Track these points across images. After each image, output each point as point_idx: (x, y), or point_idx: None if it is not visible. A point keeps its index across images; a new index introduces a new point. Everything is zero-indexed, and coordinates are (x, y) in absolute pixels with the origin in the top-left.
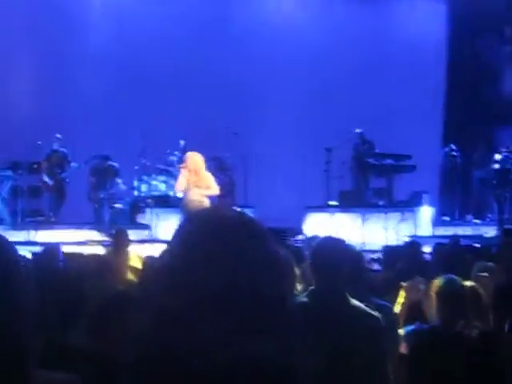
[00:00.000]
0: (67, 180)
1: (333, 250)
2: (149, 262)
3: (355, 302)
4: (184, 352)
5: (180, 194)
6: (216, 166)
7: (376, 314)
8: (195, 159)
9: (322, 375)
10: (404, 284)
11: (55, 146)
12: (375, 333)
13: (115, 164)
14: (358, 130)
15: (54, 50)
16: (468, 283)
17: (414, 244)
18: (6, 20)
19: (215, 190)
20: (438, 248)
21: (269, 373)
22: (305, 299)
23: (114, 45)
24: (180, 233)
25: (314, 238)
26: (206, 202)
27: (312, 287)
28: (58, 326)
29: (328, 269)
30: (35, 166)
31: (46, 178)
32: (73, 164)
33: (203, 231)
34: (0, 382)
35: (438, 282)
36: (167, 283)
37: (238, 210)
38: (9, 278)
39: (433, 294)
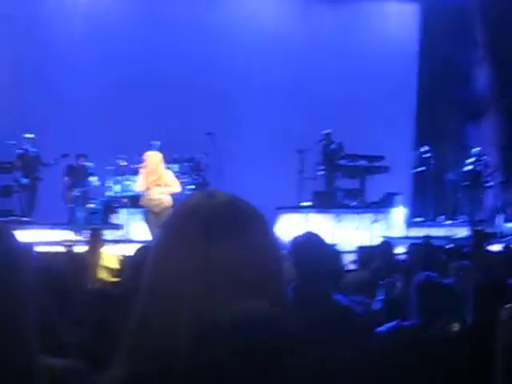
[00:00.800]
0: (40, 179)
1: (314, 245)
2: (125, 261)
3: (338, 296)
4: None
5: (140, 193)
6: (190, 167)
7: (359, 308)
8: (153, 158)
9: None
10: (381, 282)
11: (27, 146)
12: (360, 328)
13: (89, 163)
14: (325, 131)
15: (27, 46)
16: (446, 280)
17: (387, 244)
18: None
19: (176, 187)
20: (413, 248)
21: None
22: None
23: (91, 45)
24: (168, 225)
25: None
26: (168, 201)
27: (294, 282)
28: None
29: (310, 263)
30: (7, 165)
31: (20, 178)
32: (45, 163)
33: (195, 219)
34: (6, 370)
35: (416, 280)
36: (156, 270)
37: (231, 194)
38: (12, 267)
39: (412, 291)
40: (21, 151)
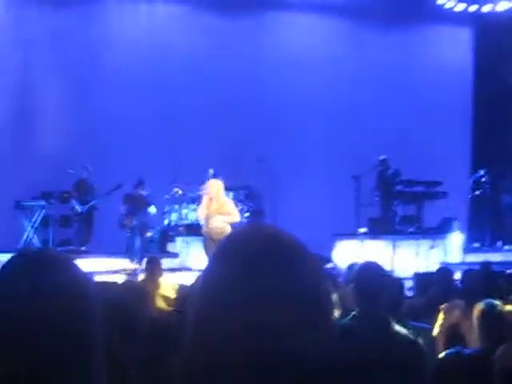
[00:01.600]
0: (96, 208)
1: (374, 275)
2: (182, 290)
3: (398, 327)
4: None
5: (202, 221)
6: (245, 194)
7: (419, 340)
8: (216, 186)
9: None
10: (442, 306)
11: (83, 175)
12: (418, 360)
13: (146, 192)
14: (381, 157)
15: (81, 81)
16: (509, 307)
17: (445, 270)
18: (35, 50)
19: (237, 216)
20: (472, 274)
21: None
22: (348, 322)
23: (144, 75)
24: (217, 254)
25: (353, 265)
26: (228, 229)
27: (354, 312)
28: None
29: (370, 294)
30: (66, 195)
31: (76, 206)
32: (100, 194)
33: (240, 252)
34: None
35: (479, 306)
36: (204, 304)
37: (275, 228)
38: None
39: (474, 318)
40: (77, 180)
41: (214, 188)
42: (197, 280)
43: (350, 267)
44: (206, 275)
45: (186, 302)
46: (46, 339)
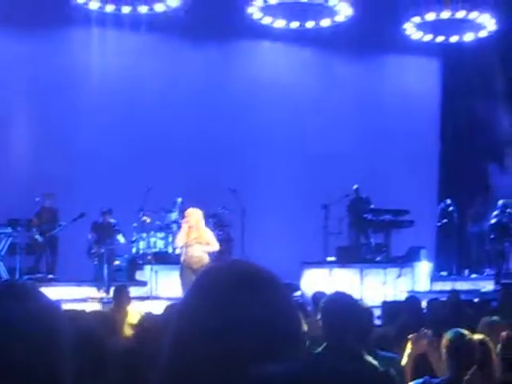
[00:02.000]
0: (57, 236)
1: (342, 306)
2: (146, 318)
3: (369, 357)
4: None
5: (178, 250)
6: (214, 223)
7: (391, 370)
8: (196, 215)
9: None
10: (410, 336)
11: (46, 203)
12: None
13: (114, 220)
14: (354, 187)
15: (49, 110)
16: (477, 336)
17: (413, 299)
18: (6, 78)
19: (215, 245)
20: (435, 303)
21: None
22: (321, 352)
23: (113, 104)
24: (195, 287)
25: (319, 293)
26: (206, 258)
27: (323, 345)
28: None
29: (339, 326)
30: (26, 223)
31: (36, 236)
32: (62, 223)
33: (219, 284)
34: None
35: (447, 336)
36: (179, 336)
37: (252, 263)
38: (47, 328)
39: (442, 347)
40: (38, 209)
41: (194, 217)
42: (166, 310)
43: (314, 296)
44: (184, 305)
45: (147, 331)
46: (13, 373)
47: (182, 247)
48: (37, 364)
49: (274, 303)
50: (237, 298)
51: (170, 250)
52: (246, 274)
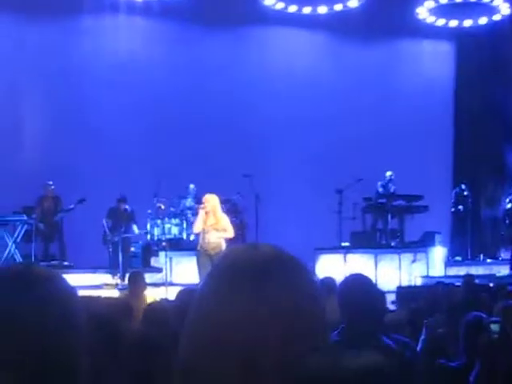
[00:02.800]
0: (58, 224)
1: (360, 287)
2: (155, 303)
3: (386, 340)
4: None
5: (192, 236)
6: (228, 209)
7: (406, 353)
8: (213, 201)
9: None
10: (425, 321)
11: (46, 193)
12: (406, 374)
13: (129, 207)
14: (389, 173)
15: (64, 95)
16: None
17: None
18: (18, 65)
19: (231, 232)
20: (453, 287)
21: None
22: (337, 338)
23: (125, 90)
24: (215, 271)
25: (328, 278)
26: (223, 245)
27: (342, 325)
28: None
29: (357, 306)
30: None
31: (39, 224)
32: (60, 214)
33: (239, 269)
34: None
35: (465, 320)
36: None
37: (274, 246)
38: (67, 312)
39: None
40: (39, 196)
41: (211, 203)
42: (179, 295)
43: (323, 281)
44: (204, 290)
45: (155, 315)
46: (32, 355)
47: (198, 233)
48: (54, 347)
49: (298, 285)
50: (260, 281)
51: (184, 236)
52: (269, 256)
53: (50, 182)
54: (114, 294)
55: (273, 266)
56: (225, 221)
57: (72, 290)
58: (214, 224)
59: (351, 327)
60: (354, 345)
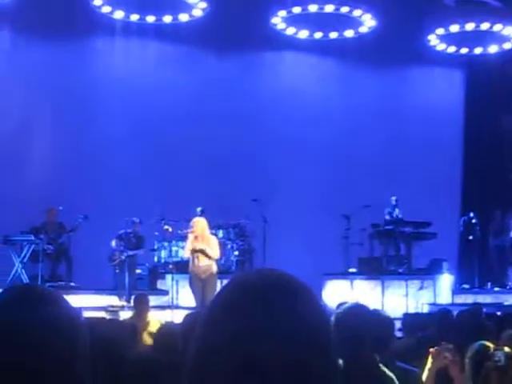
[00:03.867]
0: (65, 244)
1: (356, 318)
2: (165, 327)
3: (384, 369)
4: None
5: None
6: (235, 233)
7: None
8: (201, 224)
9: None
10: (431, 350)
11: (49, 218)
12: None
13: (140, 232)
14: (393, 198)
15: (70, 117)
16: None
17: (444, 312)
18: (29, 86)
19: (216, 254)
20: (462, 316)
21: None
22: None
23: (135, 112)
24: (221, 295)
25: (341, 304)
26: (215, 267)
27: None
28: None
29: (352, 337)
30: (35, 231)
31: (46, 245)
32: (67, 229)
33: (246, 292)
34: None
35: (471, 348)
36: (204, 346)
37: (280, 271)
38: (69, 335)
39: (466, 359)
40: (43, 222)
41: (199, 226)
42: (185, 319)
43: (339, 307)
44: (209, 314)
45: (166, 340)
46: (34, 375)
47: (189, 257)
48: (55, 369)
49: (304, 312)
50: (265, 307)
51: None
52: (275, 281)
53: (58, 207)
54: (119, 316)
55: (277, 291)
56: (213, 243)
57: (75, 312)
58: (203, 247)
59: (347, 359)
60: (352, 374)
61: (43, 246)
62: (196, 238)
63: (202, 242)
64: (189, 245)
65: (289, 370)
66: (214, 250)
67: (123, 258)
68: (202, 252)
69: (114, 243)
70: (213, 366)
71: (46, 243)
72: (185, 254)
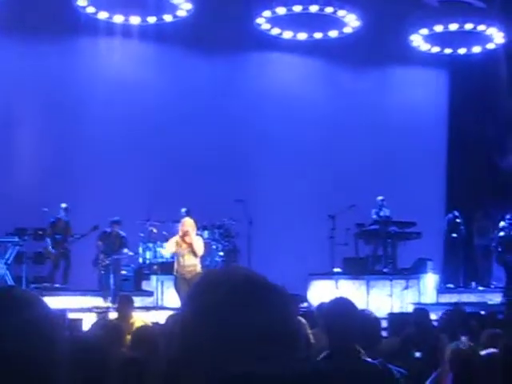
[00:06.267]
0: (69, 249)
1: (345, 311)
2: (142, 327)
3: (369, 360)
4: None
5: (168, 255)
6: (221, 234)
7: (394, 371)
8: (189, 224)
9: None
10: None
11: (60, 215)
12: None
13: (122, 233)
14: (380, 198)
15: (55, 119)
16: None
17: (422, 311)
18: (14, 88)
19: (200, 251)
20: (444, 315)
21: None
22: (320, 364)
23: (120, 113)
24: (192, 294)
25: (322, 304)
26: (199, 268)
27: (327, 351)
28: None
29: (341, 329)
30: (40, 232)
31: (49, 246)
32: (76, 235)
33: (215, 289)
34: None
35: (449, 348)
36: (183, 342)
37: (247, 268)
38: (45, 337)
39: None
40: (53, 220)
41: (186, 226)
42: (168, 320)
43: (320, 307)
44: (183, 312)
45: (143, 340)
46: (10, 378)
47: (175, 257)
48: (32, 372)
49: (271, 308)
50: (232, 303)
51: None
52: (241, 278)
53: (65, 205)
54: (104, 317)
55: (243, 288)
56: (198, 243)
57: (54, 314)
58: (189, 247)
59: (335, 349)
60: (336, 369)
61: (47, 248)
62: (183, 237)
63: (189, 241)
64: (171, 243)
65: (255, 361)
66: (199, 249)
67: (107, 262)
68: (189, 252)
69: (98, 243)
70: (189, 362)
71: (51, 245)
72: (166, 251)
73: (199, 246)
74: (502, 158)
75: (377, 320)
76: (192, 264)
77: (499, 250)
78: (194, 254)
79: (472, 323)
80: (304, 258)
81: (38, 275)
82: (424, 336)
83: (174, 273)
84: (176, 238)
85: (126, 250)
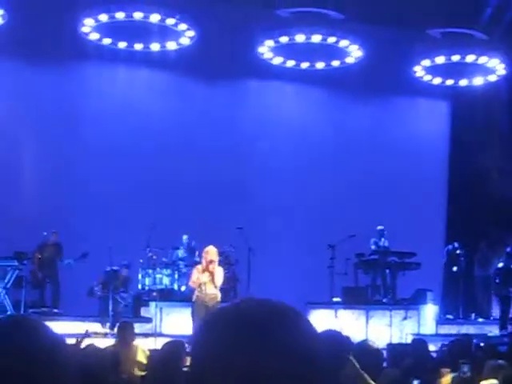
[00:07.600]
0: (55, 275)
1: (332, 346)
2: (154, 356)
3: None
4: None
5: (184, 287)
6: (220, 261)
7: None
8: (213, 253)
9: None
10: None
11: (50, 241)
12: None
13: (127, 274)
14: (380, 227)
15: (59, 144)
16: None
17: (420, 342)
18: (17, 112)
19: (219, 281)
20: (452, 345)
21: None
22: None
23: (121, 140)
24: (204, 329)
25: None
26: (219, 296)
27: None
28: None
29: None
30: (39, 256)
31: (36, 270)
32: (67, 261)
33: (227, 326)
34: None
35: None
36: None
37: (263, 300)
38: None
39: None
40: (40, 244)
41: (210, 255)
42: (170, 346)
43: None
44: (195, 347)
45: (157, 367)
46: None
47: (197, 285)
48: None
49: (285, 343)
50: (246, 340)
51: (175, 286)
52: (255, 313)
53: (55, 230)
54: (103, 343)
55: (258, 324)
56: (220, 274)
57: (59, 340)
58: (210, 276)
59: None
60: None
61: (34, 271)
62: (207, 266)
63: (212, 270)
64: (198, 273)
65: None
66: (219, 279)
67: (106, 291)
68: (211, 280)
69: (97, 283)
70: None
71: (38, 269)
72: (193, 281)
73: (219, 277)
74: (504, 189)
75: (378, 351)
76: (213, 293)
77: (497, 281)
78: (214, 283)
79: (478, 354)
80: (303, 287)
81: (36, 300)
82: (422, 367)
83: (194, 299)
84: (201, 267)
85: (124, 270)
